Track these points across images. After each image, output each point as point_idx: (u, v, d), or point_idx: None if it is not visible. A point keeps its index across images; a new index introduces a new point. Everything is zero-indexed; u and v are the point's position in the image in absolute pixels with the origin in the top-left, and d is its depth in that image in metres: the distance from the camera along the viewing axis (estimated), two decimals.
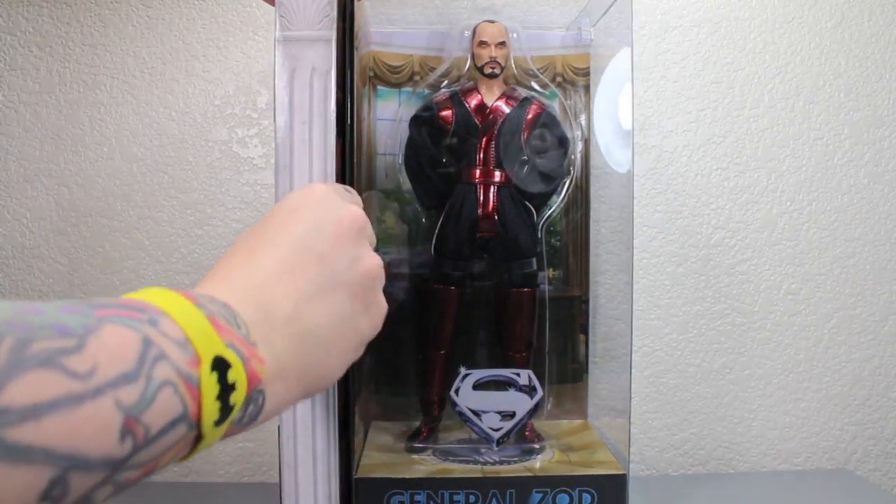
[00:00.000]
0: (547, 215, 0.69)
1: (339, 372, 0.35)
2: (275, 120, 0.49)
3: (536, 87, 0.70)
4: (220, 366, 0.26)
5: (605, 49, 0.70)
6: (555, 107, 0.70)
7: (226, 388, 0.27)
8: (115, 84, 0.79)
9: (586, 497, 0.59)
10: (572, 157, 0.70)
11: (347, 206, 0.36)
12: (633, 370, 0.64)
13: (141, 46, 0.79)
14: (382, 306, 0.37)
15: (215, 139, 0.79)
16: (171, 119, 0.79)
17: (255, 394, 0.29)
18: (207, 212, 0.79)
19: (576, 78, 0.73)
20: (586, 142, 0.72)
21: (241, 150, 0.80)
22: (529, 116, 0.66)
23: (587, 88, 0.73)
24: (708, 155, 0.82)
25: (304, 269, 0.33)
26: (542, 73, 0.70)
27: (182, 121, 0.79)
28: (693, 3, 0.81)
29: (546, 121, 0.66)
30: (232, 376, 0.27)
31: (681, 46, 0.81)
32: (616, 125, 0.67)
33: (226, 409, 0.27)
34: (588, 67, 0.73)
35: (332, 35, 0.48)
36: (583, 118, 0.73)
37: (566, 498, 0.59)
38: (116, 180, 0.79)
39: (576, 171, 0.71)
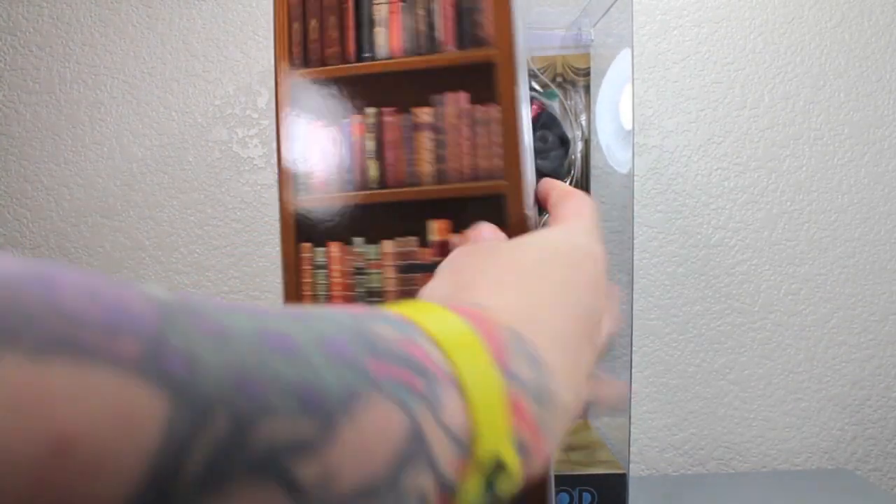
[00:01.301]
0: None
1: None
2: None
3: (537, 87, 0.70)
4: (494, 472, 0.18)
5: (605, 49, 0.70)
6: (555, 107, 0.70)
7: (490, 500, 0.19)
8: (115, 84, 0.79)
9: (586, 496, 0.59)
10: (573, 157, 0.70)
11: (611, 283, 0.30)
12: (633, 370, 0.64)
13: (141, 46, 0.79)
14: None
15: (215, 139, 0.79)
16: (171, 119, 0.79)
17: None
18: (207, 212, 0.79)
19: (576, 78, 0.73)
20: (586, 142, 0.72)
21: (241, 150, 0.80)
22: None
23: (587, 89, 0.73)
24: (708, 155, 0.82)
25: (592, 346, 0.26)
26: (542, 74, 0.70)
27: (182, 121, 0.79)
28: (693, 3, 0.81)
29: (546, 121, 0.67)
30: (502, 485, 0.19)
31: (681, 46, 0.81)
32: (616, 125, 0.67)
33: None
34: (588, 68, 0.73)
35: None
36: (583, 118, 0.73)
37: (566, 497, 0.59)
38: (116, 180, 0.79)
39: (576, 171, 0.71)
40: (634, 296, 0.78)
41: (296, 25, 0.38)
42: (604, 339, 0.28)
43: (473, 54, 0.38)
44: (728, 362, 0.82)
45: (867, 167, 0.83)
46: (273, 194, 0.80)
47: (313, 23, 0.38)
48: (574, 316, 0.25)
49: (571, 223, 0.31)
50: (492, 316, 0.21)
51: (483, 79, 0.38)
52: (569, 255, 0.28)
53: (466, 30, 0.39)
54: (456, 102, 0.38)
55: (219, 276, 0.80)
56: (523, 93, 0.37)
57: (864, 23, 0.82)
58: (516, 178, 0.38)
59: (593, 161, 0.73)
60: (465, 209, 0.37)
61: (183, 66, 0.79)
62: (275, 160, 0.79)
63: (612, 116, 0.68)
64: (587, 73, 0.73)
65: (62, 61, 0.79)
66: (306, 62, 0.38)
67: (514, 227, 0.37)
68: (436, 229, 0.37)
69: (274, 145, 0.80)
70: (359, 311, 0.18)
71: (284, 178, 0.38)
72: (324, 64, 0.38)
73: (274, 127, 0.80)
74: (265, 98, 0.80)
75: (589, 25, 0.72)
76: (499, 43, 0.38)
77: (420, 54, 0.39)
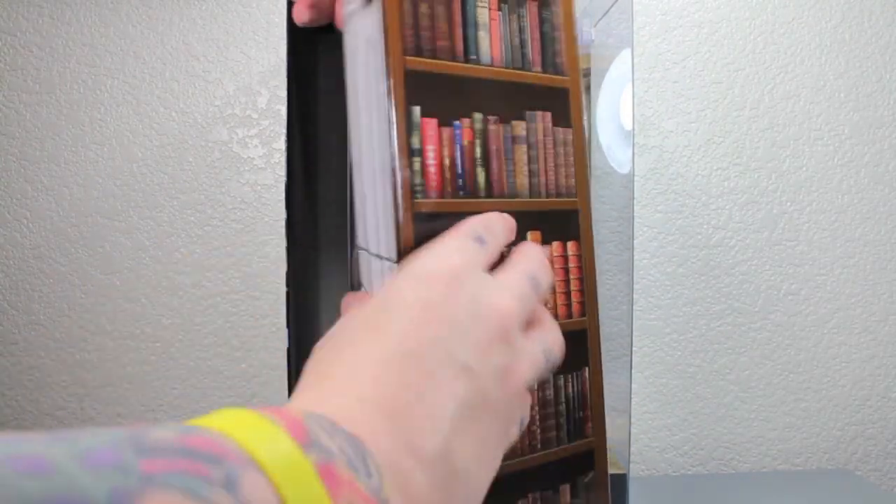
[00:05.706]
0: None
1: None
2: None
3: None
4: None
5: (605, 49, 0.70)
6: None
7: None
8: (115, 84, 0.79)
9: None
10: None
11: (495, 293, 0.27)
12: (633, 370, 0.64)
13: (141, 46, 0.79)
14: (527, 411, 0.29)
15: (215, 140, 0.79)
16: (171, 119, 0.79)
17: None
18: (207, 212, 0.79)
19: None
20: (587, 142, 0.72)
21: (241, 151, 0.80)
22: None
23: (588, 89, 0.73)
24: (708, 155, 0.82)
25: (449, 386, 0.24)
26: None
27: (182, 121, 0.79)
28: (693, 3, 0.81)
29: None
30: None
31: (681, 47, 0.81)
32: (616, 125, 0.67)
33: None
34: (588, 68, 0.73)
35: None
36: (583, 119, 0.73)
37: None
38: (116, 180, 0.79)
39: None
40: (634, 296, 0.78)
41: (406, 6, 0.34)
42: (506, 362, 0.26)
43: (554, 78, 0.41)
44: (728, 362, 0.82)
45: (867, 167, 0.83)
46: (273, 194, 0.80)
47: (423, 7, 0.34)
48: (410, 373, 0.24)
49: (393, 284, 0.28)
50: (288, 406, 0.22)
51: (560, 103, 0.41)
52: (396, 315, 0.26)
53: (548, 54, 0.41)
54: (543, 121, 0.40)
55: (219, 276, 0.80)
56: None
57: (864, 23, 0.82)
58: (585, 196, 0.41)
59: (593, 161, 0.73)
60: (546, 222, 0.39)
61: (183, 66, 0.79)
62: (275, 160, 0.79)
63: (612, 116, 0.68)
64: (587, 74, 0.73)
65: (62, 61, 0.79)
66: (418, 50, 0.35)
67: (584, 241, 0.41)
68: (531, 240, 0.39)
69: (274, 145, 0.80)
70: (139, 425, 0.18)
71: (407, 179, 0.33)
72: (435, 56, 0.36)
73: (273, 127, 0.80)
74: (265, 98, 0.80)
75: (589, 25, 0.72)
76: (570, 73, 0.41)
77: (515, 68, 0.39)
